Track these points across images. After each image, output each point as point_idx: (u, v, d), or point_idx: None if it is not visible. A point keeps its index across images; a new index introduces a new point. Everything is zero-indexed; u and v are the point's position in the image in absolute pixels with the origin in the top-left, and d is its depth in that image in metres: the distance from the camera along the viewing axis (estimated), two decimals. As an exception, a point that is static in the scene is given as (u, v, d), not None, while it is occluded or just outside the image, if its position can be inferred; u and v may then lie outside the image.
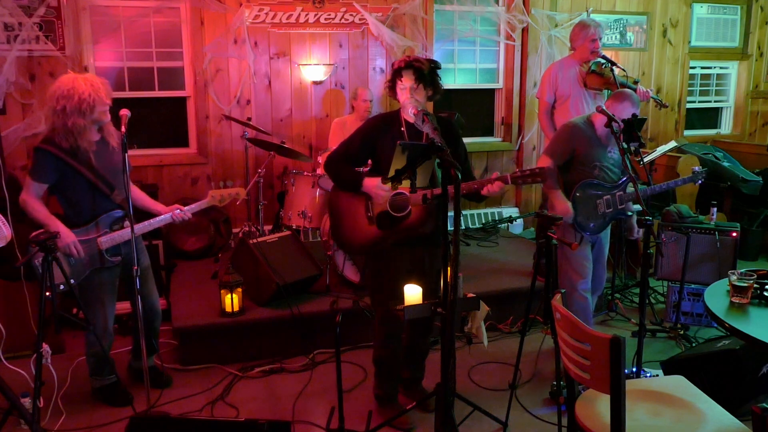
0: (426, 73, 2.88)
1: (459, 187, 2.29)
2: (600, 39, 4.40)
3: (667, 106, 4.76)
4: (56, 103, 2.88)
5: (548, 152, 3.56)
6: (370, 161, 3.10)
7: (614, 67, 4.37)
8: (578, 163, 3.50)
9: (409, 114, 2.88)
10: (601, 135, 3.51)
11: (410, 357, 3.27)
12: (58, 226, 2.97)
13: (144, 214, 3.24)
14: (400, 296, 2.99)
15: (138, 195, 3.30)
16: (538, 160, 3.64)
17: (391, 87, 2.97)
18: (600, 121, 3.48)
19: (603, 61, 4.42)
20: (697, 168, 3.99)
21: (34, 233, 2.95)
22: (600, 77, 4.36)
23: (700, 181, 3.94)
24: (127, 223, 3.12)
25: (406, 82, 2.88)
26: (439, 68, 2.97)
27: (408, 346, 3.24)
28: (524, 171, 2.68)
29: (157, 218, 3.21)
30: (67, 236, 2.96)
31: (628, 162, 3.41)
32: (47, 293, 2.81)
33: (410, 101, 2.88)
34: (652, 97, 4.53)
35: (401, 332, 3.10)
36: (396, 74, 2.91)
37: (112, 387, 3.30)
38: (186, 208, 3.26)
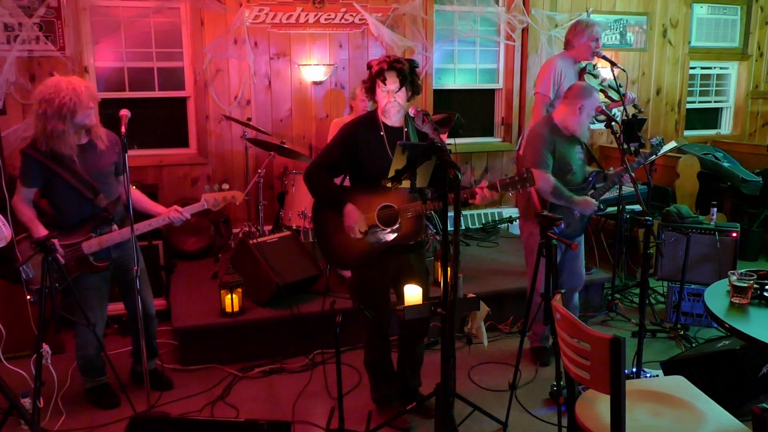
0: (408, 74, 2.83)
1: (459, 188, 2.29)
2: (599, 39, 4.38)
3: (642, 111, 4.76)
4: (38, 107, 2.88)
5: (539, 165, 3.43)
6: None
7: (614, 68, 4.36)
8: (554, 171, 3.47)
9: (392, 116, 2.89)
10: (572, 132, 3.49)
11: (405, 366, 3.22)
12: (39, 230, 2.97)
13: (145, 217, 3.19)
14: (388, 303, 2.99)
15: (137, 197, 3.23)
16: (534, 176, 3.53)
17: (370, 88, 2.91)
18: (564, 120, 3.45)
19: (593, 62, 4.42)
20: (654, 140, 3.92)
21: (19, 237, 2.98)
22: (595, 78, 4.36)
23: (659, 153, 3.87)
24: (115, 226, 3.10)
25: (390, 85, 2.82)
26: (417, 67, 2.94)
27: (402, 354, 3.21)
28: (512, 177, 2.77)
29: (150, 221, 3.14)
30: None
31: (627, 164, 3.42)
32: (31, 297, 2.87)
33: (392, 104, 2.86)
34: (634, 105, 4.54)
35: (388, 335, 3.09)
36: (378, 76, 2.83)
37: (99, 389, 3.30)
38: (183, 209, 3.17)
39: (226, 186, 3.32)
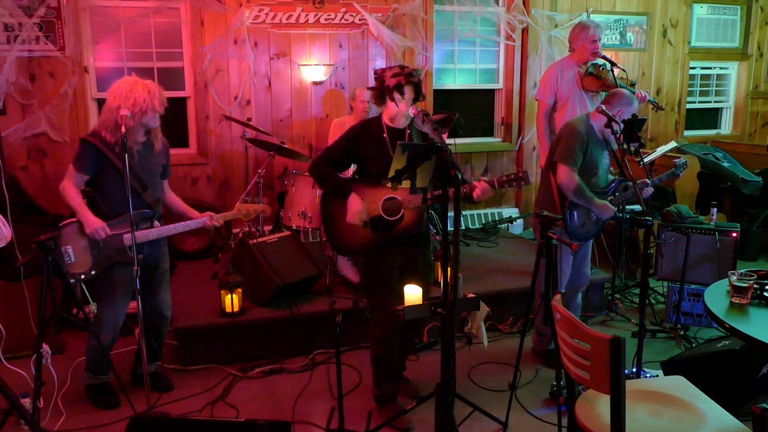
0: (420, 86, 3.04)
1: (459, 188, 2.29)
2: (600, 40, 4.39)
3: (663, 109, 4.78)
4: (113, 101, 3.01)
5: (568, 161, 3.41)
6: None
7: (614, 68, 4.36)
8: (580, 171, 3.47)
9: (402, 124, 3.03)
10: (606, 137, 3.50)
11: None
12: (87, 214, 3.07)
13: (178, 219, 3.34)
14: (397, 294, 3.01)
15: (173, 200, 3.43)
16: (558, 171, 3.44)
17: (381, 96, 3.04)
18: (601, 123, 3.47)
19: (601, 62, 4.42)
20: (678, 160, 4.01)
21: (65, 221, 3.09)
22: (597, 79, 4.36)
23: (680, 174, 4.03)
24: (156, 223, 3.21)
25: (409, 96, 2.99)
26: (419, 74, 3.12)
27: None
28: (509, 176, 2.88)
29: (188, 222, 3.29)
30: (95, 222, 3.05)
31: (627, 164, 3.42)
32: (71, 279, 2.95)
33: (404, 113, 3.01)
34: (650, 100, 4.55)
35: (399, 330, 3.11)
36: (397, 89, 2.97)
37: (101, 387, 3.31)
38: (216, 216, 3.33)
39: (250, 199, 3.46)
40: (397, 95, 2.98)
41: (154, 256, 3.25)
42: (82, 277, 3.08)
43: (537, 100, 4.64)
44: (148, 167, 3.19)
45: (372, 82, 3.15)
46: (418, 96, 3.03)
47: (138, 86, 3.01)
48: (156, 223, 3.21)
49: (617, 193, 3.60)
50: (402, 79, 2.97)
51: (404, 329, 3.21)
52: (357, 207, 3.04)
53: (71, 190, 3.09)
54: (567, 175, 3.42)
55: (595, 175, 3.53)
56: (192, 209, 3.40)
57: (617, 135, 3.35)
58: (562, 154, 3.47)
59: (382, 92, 3.03)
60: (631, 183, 3.64)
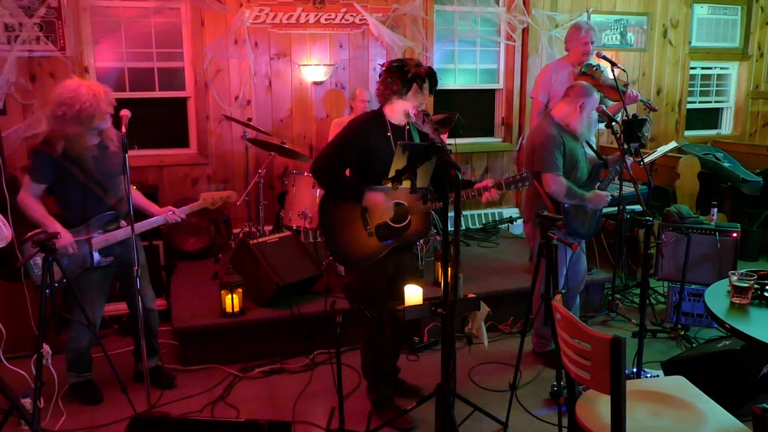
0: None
1: (459, 187, 2.29)
2: (593, 42, 4.44)
3: (656, 110, 4.76)
4: (57, 109, 2.91)
5: (551, 168, 3.37)
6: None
7: (614, 68, 4.37)
8: (563, 170, 3.45)
9: (410, 115, 2.88)
10: (573, 131, 3.47)
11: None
12: (55, 226, 3.01)
13: (141, 215, 3.27)
14: (385, 300, 3.00)
15: (134, 196, 3.25)
16: (544, 180, 3.40)
17: (406, 86, 2.81)
18: (566, 118, 3.44)
19: (594, 63, 4.44)
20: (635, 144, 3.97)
21: (31, 233, 3.01)
22: (591, 79, 4.37)
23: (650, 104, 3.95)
24: (123, 223, 3.17)
25: (426, 90, 2.85)
26: None
27: (392, 344, 3.23)
28: (515, 176, 2.91)
29: (150, 219, 3.24)
30: (65, 237, 3.00)
31: (627, 165, 3.42)
32: (47, 290, 2.85)
33: (416, 107, 2.86)
34: (641, 100, 4.53)
35: (387, 334, 3.11)
36: (419, 81, 2.81)
37: (83, 384, 3.33)
38: (178, 210, 3.28)
39: (221, 186, 3.39)
40: (415, 87, 2.81)
41: (127, 256, 3.16)
42: (56, 285, 2.97)
43: (531, 97, 4.70)
44: (107, 169, 3.10)
45: (372, 83, 3.09)
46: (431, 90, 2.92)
47: (81, 90, 2.89)
48: (122, 222, 3.17)
49: (601, 179, 3.59)
50: (425, 70, 2.83)
51: (397, 330, 3.20)
52: (379, 200, 2.87)
53: (30, 201, 3.01)
54: (554, 182, 3.38)
55: (577, 170, 3.51)
56: (153, 204, 3.33)
57: (617, 135, 3.35)
58: (542, 163, 3.40)
59: (410, 81, 2.80)
60: (606, 158, 3.63)
